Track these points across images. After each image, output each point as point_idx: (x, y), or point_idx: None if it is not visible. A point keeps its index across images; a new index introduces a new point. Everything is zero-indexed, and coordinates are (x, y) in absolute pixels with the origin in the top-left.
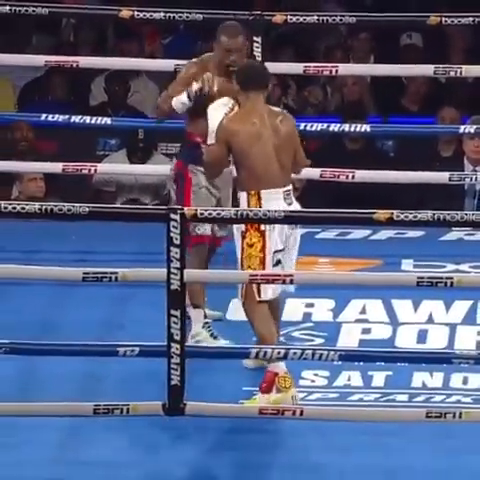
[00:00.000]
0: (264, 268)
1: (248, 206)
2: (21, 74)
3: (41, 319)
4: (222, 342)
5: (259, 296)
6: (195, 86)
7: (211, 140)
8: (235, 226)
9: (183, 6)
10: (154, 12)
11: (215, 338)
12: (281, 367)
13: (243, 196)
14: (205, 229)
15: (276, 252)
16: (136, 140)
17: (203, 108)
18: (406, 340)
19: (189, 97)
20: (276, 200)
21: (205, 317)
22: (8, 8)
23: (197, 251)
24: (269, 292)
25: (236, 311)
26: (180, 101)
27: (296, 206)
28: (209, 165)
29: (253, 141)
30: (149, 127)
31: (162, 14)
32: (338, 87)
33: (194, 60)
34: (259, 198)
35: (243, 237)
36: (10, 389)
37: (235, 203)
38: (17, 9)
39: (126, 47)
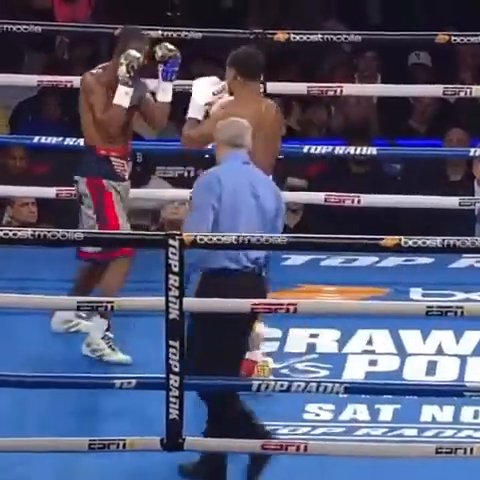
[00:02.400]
0: None
1: None
2: (13, 94)
3: (35, 349)
4: (121, 356)
5: None
6: (119, 70)
7: (195, 114)
8: None
9: (180, 25)
10: (151, 30)
11: (113, 350)
12: (258, 355)
13: None
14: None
15: None
16: (133, 164)
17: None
18: (415, 372)
19: (122, 82)
20: None
21: (108, 330)
22: None
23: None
24: None
25: None
26: (121, 94)
27: None
28: (196, 138)
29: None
30: (147, 150)
31: (160, 32)
32: (342, 107)
33: (95, 70)
34: None
35: None
36: (2, 423)
37: None
38: (9, 27)
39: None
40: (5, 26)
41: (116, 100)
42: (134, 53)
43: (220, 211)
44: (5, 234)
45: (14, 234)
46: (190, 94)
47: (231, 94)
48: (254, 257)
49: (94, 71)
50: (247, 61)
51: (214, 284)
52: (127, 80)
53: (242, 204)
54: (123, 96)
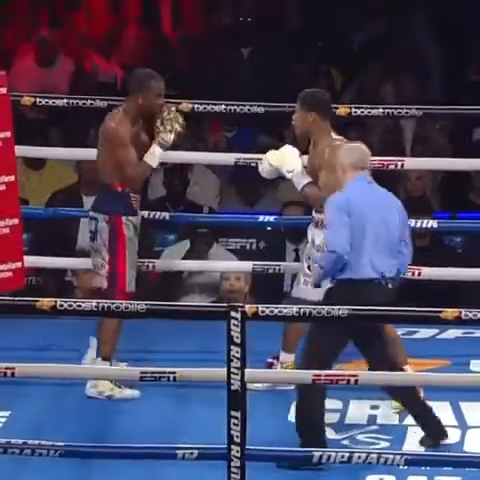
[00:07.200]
0: None
1: None
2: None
3: (97, 419)
4: (129, 392)
5: None
6: (166, 136)
7: (305, 179)
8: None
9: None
10: (214, 104)
11: (120, 387)
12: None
13: None
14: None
15: None
16: (195, 236)
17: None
18: (476, 444)
19: (162, 146)
20: None
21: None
22: (65, 101)
23: None
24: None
25: None
26: (156, 156)
27: None
28: (324, 195)
29: None
30: (209, 222)
31: (223, 107)
32: (401, 181)
33: (119, 116)
34: None
35: None
36: None
37: None
38: (75, 102)
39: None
40: (71, 101)
41: (149, 160)
42: (180, 118)
43: (350, 228)
44: (70, 305)
45: (78, 306)
46: (255, 168)
47: (305, 137)
48: (382, 270)
49: (118, 119)
50: (324, 100)
51: (349, 294)
52: (167, 146)
53: (369, 221)
54: (155, 157)
